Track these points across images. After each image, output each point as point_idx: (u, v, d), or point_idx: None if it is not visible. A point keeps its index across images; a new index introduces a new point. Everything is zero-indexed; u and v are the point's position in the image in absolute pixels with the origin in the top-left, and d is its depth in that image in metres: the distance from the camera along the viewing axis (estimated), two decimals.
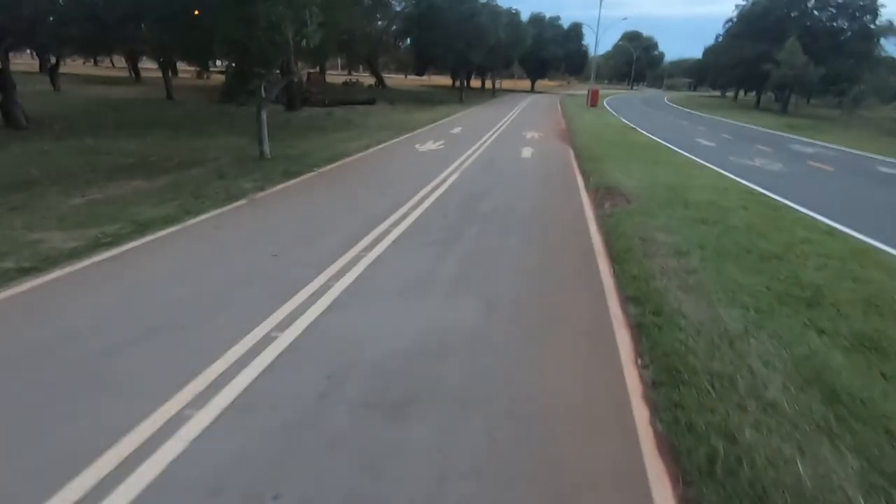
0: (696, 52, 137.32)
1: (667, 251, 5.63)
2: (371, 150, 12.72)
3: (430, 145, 13.82)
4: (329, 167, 10.26)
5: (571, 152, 13.23)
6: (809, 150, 17.22)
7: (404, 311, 4.12)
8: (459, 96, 35.76)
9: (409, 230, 6.20)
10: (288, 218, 6.64)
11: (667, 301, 4.34)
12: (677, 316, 4.08)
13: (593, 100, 34.16)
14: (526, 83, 70.57)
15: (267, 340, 3.55)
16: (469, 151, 12.79)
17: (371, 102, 29.47)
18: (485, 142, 14.84)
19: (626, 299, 4.47)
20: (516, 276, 4.91)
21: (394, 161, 11.42)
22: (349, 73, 66.09)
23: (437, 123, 19.99)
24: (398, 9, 32.89)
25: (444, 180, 9.20)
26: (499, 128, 18.90)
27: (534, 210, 7.43)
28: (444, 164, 10.82)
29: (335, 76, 60.26)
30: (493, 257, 5.37)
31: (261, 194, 7.84)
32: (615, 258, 5.47)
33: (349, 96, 30.72)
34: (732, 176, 10.53)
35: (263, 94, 10.70)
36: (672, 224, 6.69)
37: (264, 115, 10.66)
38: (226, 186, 8.13)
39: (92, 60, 48.58)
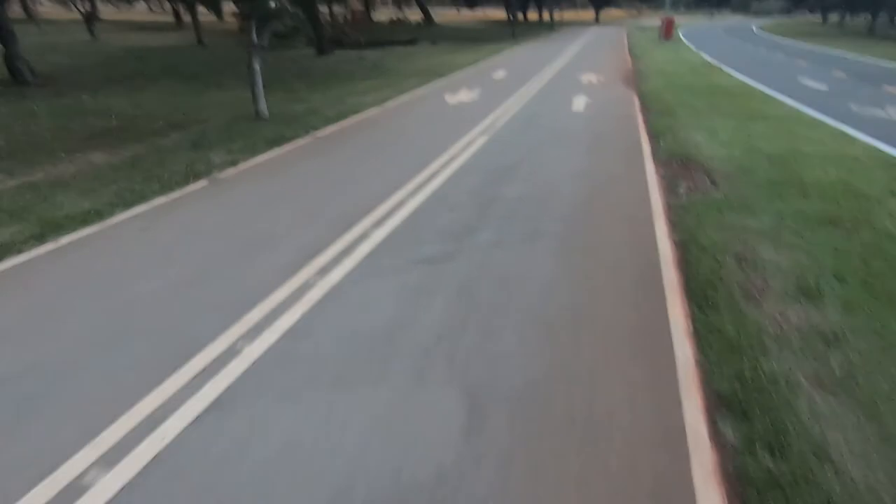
0: None
1: (782, 286, 3.55)
2: (390, 103, 10.76)
3: (463, 95, 11.62)
4: (330, 129, 8.49)
5: (637, 102, 10.62)
6: None
7: (323, 430, 2.45)
8: (511, 32, 32.07)
9: (394, 236, 4.43)
10: (240, 212, 5.03)
11: (792, 421, 2.40)
12: (819, 471, 2.15)
13: (667, 31, 29.48)
14: (590, 14, 63.63)
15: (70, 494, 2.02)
16: (508, 103, 10.54)
17: (413, 42, 26.82)
18: (530, 89, 12.41)
19: (716, 403, 2.55)
20: (532, 340, 3.07)
21: (411, 119, 9.45)
22: (399, 10, 62.13)
23: (479, 66, 17.45)
24: None
25: (467, 147, 7.22)
26: (550, 70, 16.12)
27: (577, 198, 5.38)
28: (472, 122, 8.74)
29: (386, 14, 56.84)
30: (504, 295, 3.53)
31: (229, 172, 6.27)
32: (695, 297, 3.47)
33: (391, 36, 28.12)
34: (863, 137, 7.73)
35: (255, 38, 8.89)
36: (784, 227, 4.49)
37: (257, 65, 8.91)
38: (192, 160, 6.62)
39: (134, 4, 47.97)
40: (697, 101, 10.40)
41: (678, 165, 6.35)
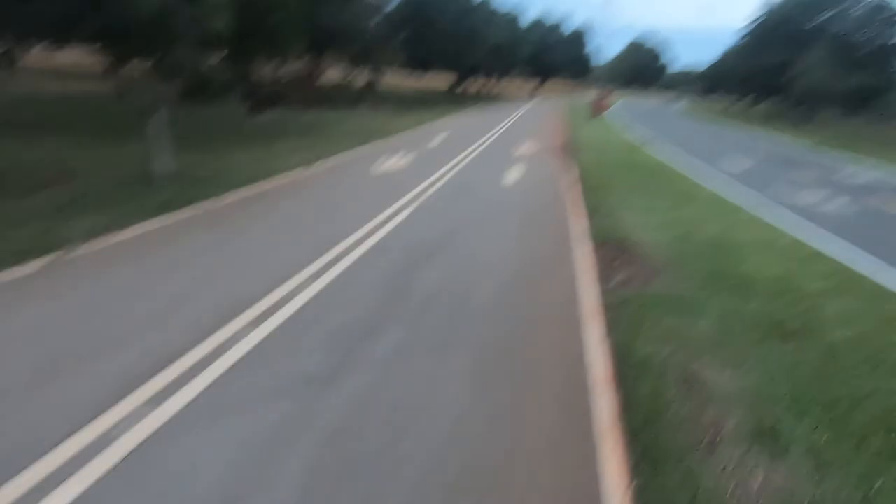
0: (700, 62, 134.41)
1: (737, 427, 2.87)
2: (315, 167, 10.00)
3: (395, 161, 11.10)
4: (238, 195, 7.54)
5: (571, 177, 10.49)
6: (857, 179, 14.41)
7: None
8: (457, 99, 33.06)
9: (267, 345, 3.46)
10: (65, 312, 3.89)
11: None
12: None
13: (600, 107, 31.39)
14: (531, 86, 67.94)
15: None
16: (440, 172, 10.07)
17: (356, 105, 26.78)
18: (465, 157, 12.13)
19: None
20: None
21: (333, 185, 8.69)
22: (350, 72, 63.53)
23: (418, 130, 17.29)
24: (387, 7, 30.24)
25: (388, 221, 6.47)
26: (488, 138, 16.18)
27: (502, 291, 4.67)
28: (399, 191, 8.08)
29: (337, 75, 57.69)
30: (391, 444, 2.62)
31: (89, 247, 5.11)
32: (635, 443, 2.70)
33: (335, 97, 28.04)
34: (790, 227, 7.73)
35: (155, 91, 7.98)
36: (730, 334, 3.94)
37: (159, 120, 7.93)
38: (46, 229, 5.41)
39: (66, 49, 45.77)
40: (631, 177, 10.41)
41: (613, 249, 5.88)
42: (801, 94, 38.12)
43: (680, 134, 25.01)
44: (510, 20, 37.52)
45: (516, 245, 5.99)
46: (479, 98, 45.02)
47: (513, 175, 10.36)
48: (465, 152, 12.99)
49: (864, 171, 15.56)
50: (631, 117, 35.57)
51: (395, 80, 68.48)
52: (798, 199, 9.88)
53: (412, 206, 7.34)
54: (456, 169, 10.75)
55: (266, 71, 29.87)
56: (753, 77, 43.89)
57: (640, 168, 12.29)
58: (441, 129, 18.18)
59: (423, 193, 8.24)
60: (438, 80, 70.38)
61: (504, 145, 14.87)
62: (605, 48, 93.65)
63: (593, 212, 7.50)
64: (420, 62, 33.09)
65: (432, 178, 9.43)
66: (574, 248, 5.94)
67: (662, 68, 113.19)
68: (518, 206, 7.78)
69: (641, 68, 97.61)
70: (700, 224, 7.11)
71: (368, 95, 39.26)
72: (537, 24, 57.40)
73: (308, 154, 10.95)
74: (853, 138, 26.82)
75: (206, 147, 11.11)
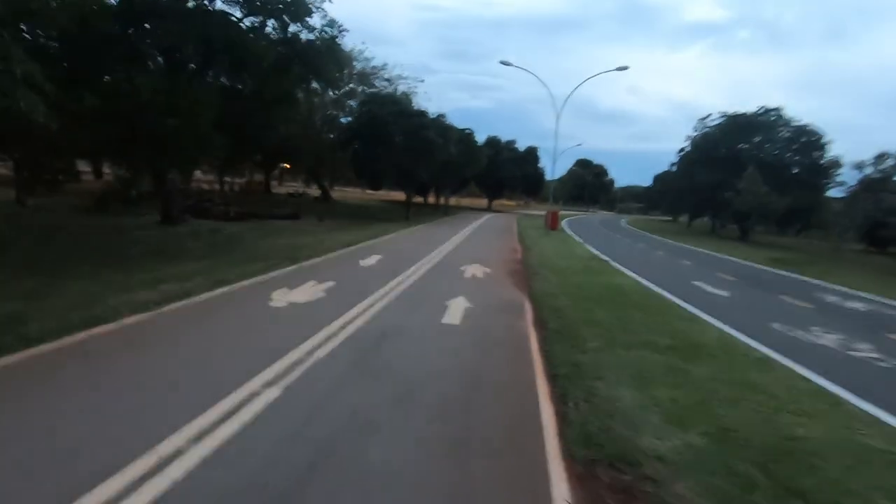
0: (639, 181, 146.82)
1: None
2: (196, 297, 7.26)
3: (307, 291, 8.55)
4: (47, 347, 4.63)
5: (529, 312, 8.19)
6: (851, 303, 12.97)
7: None
8: (406, 214, 31.92)
9: None
10: None
11: None
12: None
13: (553, 222, 30.87)
14: (484, 201, 69.63)
15: None
16: (361, 306, 7.55)
17: (295, 217, 24.83)
18: (399, 283, 9.76)
19: None
20: None
21: (201, 328, 5.90)
22: (304, 184, 63.21)
23: (353, 248, 15.08)
24: (339, 119, 30.02)
25: (245, 405, 3.70)
26: (433, 257, 14.10)
27: None
28: (286, 345, 5.38)
29: (290, 187, 57.03)
30: None
31: None
32: None
33: (274, 209, 26.05)
34: (833, 385, 5.48)
35: None
36: None
37: None
38: None
39: None
40: (603, 312, 8.19)
41: (606, 479, 3.28)
42: (735, 212, 39.73)
43: (638, 251, 24.11)
44: (465, 134, 38.24)
45: (446, 464, 3.30)
46: (435, 211, 44.65)
47: (458, 307, 7.97)
48: (403, 275, 10.68)
49: (844, 297, 14.26)
50: (585, 231, 35.34)
51: (356, 192, 68.84)
52: (822, 340, 7.87)
53: (303, 369, 4.64)
54: (388, 298, 8.29)
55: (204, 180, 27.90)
56: (688, 197, 46.04)
57: (615, 293, 10.25)
58: (383, 246, 16.11)
59: (330, 341, 5.59)
60: (398, 192, 71.39)
61: (454, 264, 12.76)
62: (551, 167, 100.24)
63: (571, 379, 5.01)
64: (369, 175, 32.32)
65: (350, 315, 6.86)
66: (548, 474, 3.30)
67: (606, 186, 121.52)
68: (459, 367, 5.21)
69: (587, 186, 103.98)
70: (736, 404, 4.68)
71: (320, 206, 37.97)
72: (492, 141, 60.14)
73: (192, 283, 8.24)
74: (803, 257, 26.84)
75: (52, 272, 8.25)
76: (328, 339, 5.84)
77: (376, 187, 63.81)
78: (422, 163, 29.85)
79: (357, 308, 7.45)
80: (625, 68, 22.93)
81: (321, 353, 5.35)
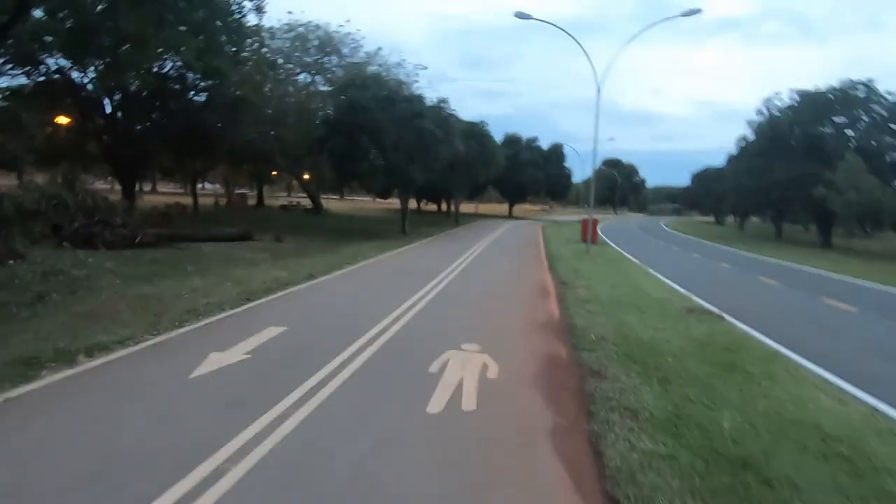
0: (666, 181, 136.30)
1: None
2: None
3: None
4: None
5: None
6: None
7: None
8: (402, 227, 25.30)
9: None
10: None
11: None
12: None
13: (591, 234, 23.70)
14: (504, 207, 62.67)
15: None
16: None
17: (245, 238, 18.47)
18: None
19: None
20: None
21: None
22: (290, 195, 57.15)
23: (264, 301, 8.49)
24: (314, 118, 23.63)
25: None
26: (394, 319, 7.30)
27: None
28: None
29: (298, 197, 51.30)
30: None
31: None
32: None
33: (222, 228, 19.75)
34: None
35: None
36: None
37: None
38: None
39: None
40: None
41: None
42: (822, 212, 31.74)
43: (721, 274, 16.85)
44: (476, 130, 31.45)
45: None
46: (444, 220, 37.97)
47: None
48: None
49: None
50: (630, 242, 28.01)
51: (366, 199, 62.63)
52: None
53: None
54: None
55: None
56: (753, 195, 38.08)
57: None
58: (328, 288, 9.52)
59: None
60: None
61: (419, 353, 5.96)
62: (579, 169, 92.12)
63: None
64: (348, 178, 25.87)
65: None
66: None
67: (637, 186, 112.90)
68: None
69: (617, 187, 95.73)
70: None
71: (311, 219, 31.81)
72: (511, 140, 53.25)
73: None
74: None
75: None
76: None
77: (384, 196, 57.22)
78: (418, 161, 23.19)
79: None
80: (696, 11, 15.87)
81: None
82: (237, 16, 19.96)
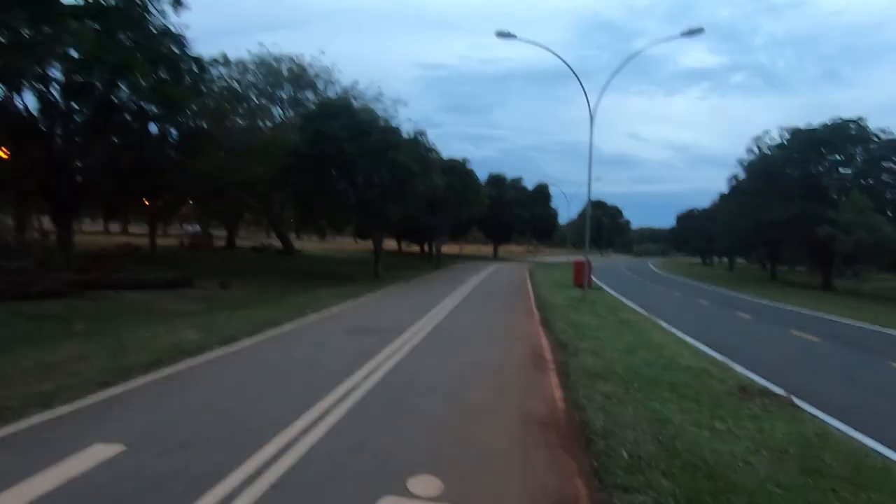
0: (648, 223, 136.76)
1: None
2: None
3: None
4: None
5: None
6: None
7: None
8: (375, 271, 22.78)
9: None
10: None
11: None
12: None
13: (580, 276, 21.44)
14: (489, 248, 60.68)
15: None
16: None
17: (183, 283, 15.75)
18: None
19: None
20: None
21: None
22: (267, 235, 53.98)
23: (215, 357, 5.88)
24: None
25: None
26: (341, 399, 4.67)
27: None
28: None
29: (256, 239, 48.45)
30: None
31: None
32: None
33: (158, 273, 16.99)
34: None
35: None
36: None
37: None
38: None
39: None
40: None
41: None
42: (815, 251, 30.16)
43: (738, 325, 14.56)
44: (458, 167, 29.58)
45: None
46: (426, 262, 35.54)
47: None
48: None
49: None
50: (626, 286, 25.81)
51: (348, 241, 59.92)
52: None
53: None
54: None
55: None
56: (746, 235, 36.58)
57: None
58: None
59: None
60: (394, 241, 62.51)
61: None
62: (564, 211, 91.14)
63: None
64: (314, 217, 23.46)
65: None
66: None
67: (622, 227, 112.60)
68: None
69: (603, 228, 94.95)
70: None
71: (283, 260, 29.15)
72: (496, 179, 51.82)
73: None
74: None
75: None
76: None
77: (364, 236, 54.64)
78: (393, 198, 20.99)
79: None
80: (699, 31, 14.29)
81: None
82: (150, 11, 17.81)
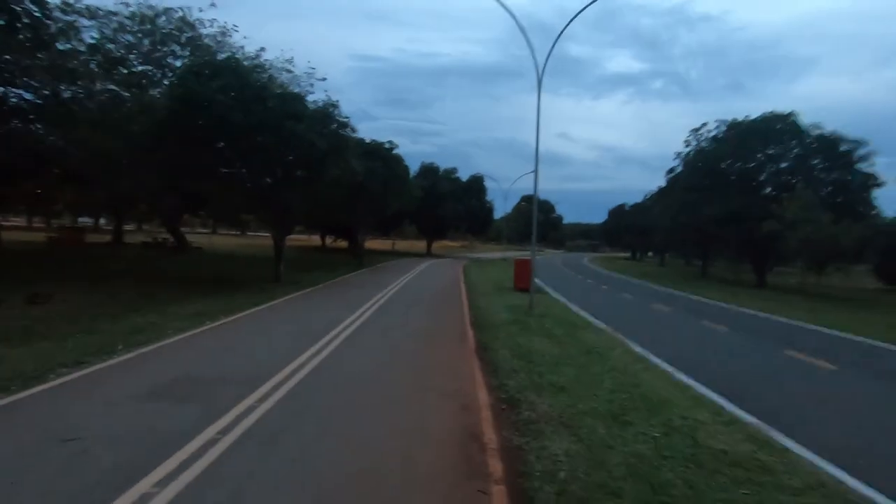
0: (579, 219, 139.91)
1: None
2: None
3: None
4: None
5: None
6: None
7: None
8: (276, 271, 18.45)
9: None
10: None
11: None
12: None
13: (523, 278, 18.47)
14: (422, 244, 57.16)
15: None
16: None
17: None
18: None
19: None
20: None
21: None
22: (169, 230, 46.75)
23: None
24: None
25: None
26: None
27: None
28: None
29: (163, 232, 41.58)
30: None
31: None
32: None
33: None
34: None
35: None
36: None
37: None
38: None
39: None
40: None
41: None
42: (762, 251, 29.46)
43: (675, 324, 12.00)
44: (380, 150, 25.67)
45: None
46: (346, 260, 31.33)
47: None
48: None
49: None
50: (566, 285, 23.20)
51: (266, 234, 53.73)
52: None
53: None
54: None
55: None
56: (683, 231, 35.71)
57: None
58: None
59: None
60: (319, 236, 57.07)
61: None
62: (499, 207, 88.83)
63: None
64: (189, 203, 18.72)
65: None
66: None
67: (555, 223, 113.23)
68: None
69: (537, 223, 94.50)
70: None
71: (171, 258, 23.74)
72: (428, 170, 48.23)
73: None
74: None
75: None
76: None
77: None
78: (295, 184, 16.81)
79: None
80: None
81: None
82: None
